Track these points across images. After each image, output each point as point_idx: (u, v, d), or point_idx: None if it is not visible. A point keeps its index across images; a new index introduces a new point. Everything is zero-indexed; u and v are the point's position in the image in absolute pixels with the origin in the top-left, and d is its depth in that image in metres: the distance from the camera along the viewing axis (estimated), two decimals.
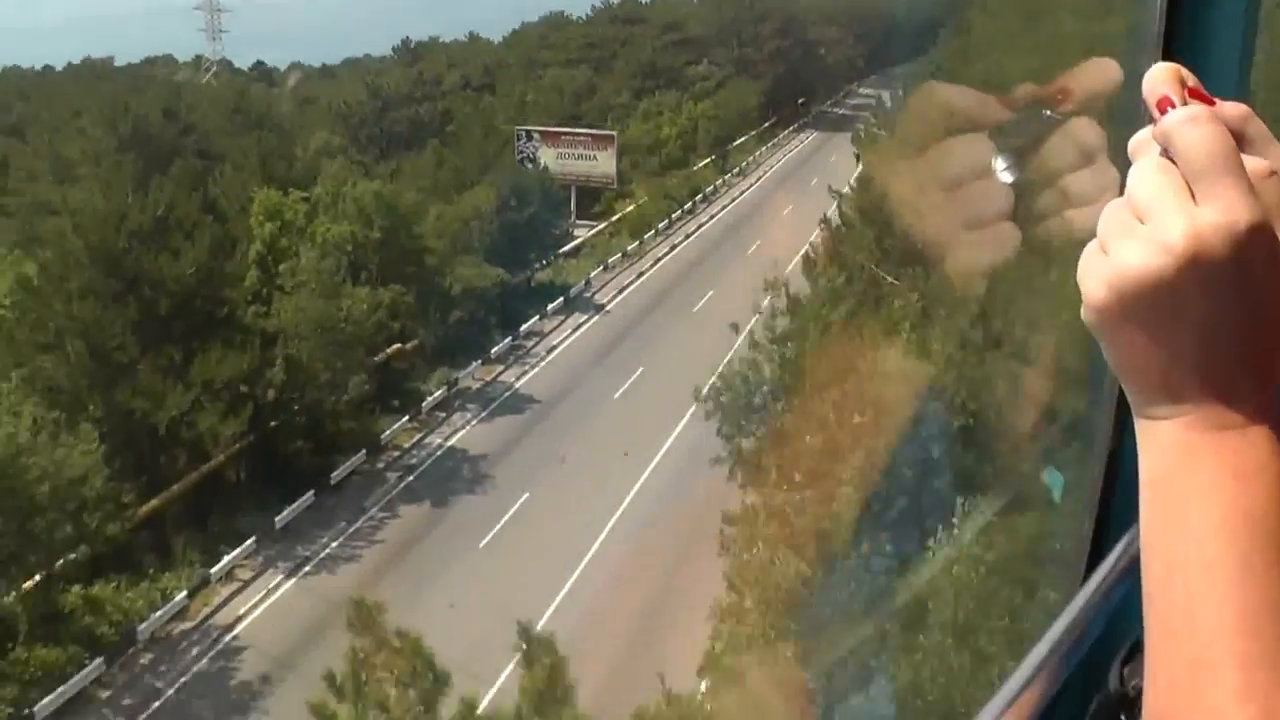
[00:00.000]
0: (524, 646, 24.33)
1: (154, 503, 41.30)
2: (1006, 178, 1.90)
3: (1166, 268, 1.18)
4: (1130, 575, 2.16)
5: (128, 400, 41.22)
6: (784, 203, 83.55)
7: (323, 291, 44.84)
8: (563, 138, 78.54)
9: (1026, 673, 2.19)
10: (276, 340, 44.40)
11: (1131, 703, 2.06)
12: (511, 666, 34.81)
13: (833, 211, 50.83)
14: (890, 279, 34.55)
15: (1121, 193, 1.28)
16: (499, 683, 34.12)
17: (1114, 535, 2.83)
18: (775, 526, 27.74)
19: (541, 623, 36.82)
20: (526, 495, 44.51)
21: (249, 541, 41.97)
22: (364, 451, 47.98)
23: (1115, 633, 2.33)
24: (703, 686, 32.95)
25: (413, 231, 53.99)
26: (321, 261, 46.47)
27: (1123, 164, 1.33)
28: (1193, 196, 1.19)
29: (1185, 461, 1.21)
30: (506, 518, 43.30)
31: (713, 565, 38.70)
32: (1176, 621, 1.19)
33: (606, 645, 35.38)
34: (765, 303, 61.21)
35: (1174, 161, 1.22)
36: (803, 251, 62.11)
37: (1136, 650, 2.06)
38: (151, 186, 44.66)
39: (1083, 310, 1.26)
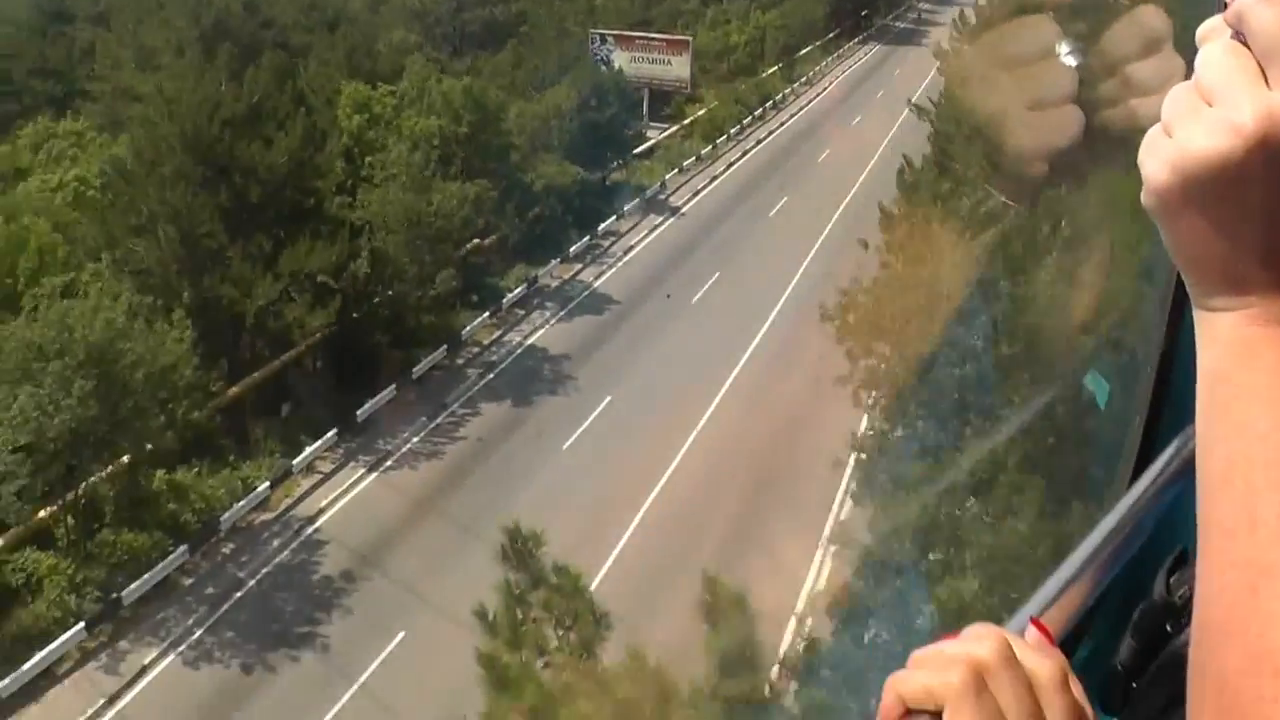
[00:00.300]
0: (708, 599, 21.37)
1: (236, 391, 39.34)
2: (1071, 62, 1.81)
3: (1234, 150, 1.07)
4: (1180, 480, 2.13)
5: (216, 287, 38.96)
6: (851, 113, 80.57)
7: (413, 184, 42.21)
8: (636, 41, 74.73)
9: (1067, 576, 1.96)
10: (363, 232, 41.88)
11: (1178, 611, 1.85)
12: (600, 576, 32.94)
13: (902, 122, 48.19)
14: (1003, 197, 31.83)
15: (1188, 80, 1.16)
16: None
17: (1165, 438, 2.53)
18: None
19: (627, 532, 34.86)
20: (609, 399, 42.11)
21: (330, 434, 39.74)
22: (445, 347, 45.57)
23: (1161, 539, 2.13)
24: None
25: (500, 128, 51.32)
26: (411, 154, 43.79)
27: (1190, 55, 1.20)
28: (1265, 80, 1.09)
29: (1247, 356, 1.12)
30: (589, 421, 40.94)
31: (799, 479, 36.80)
32: (1235, 522, 1.09)
33: (692, 558, 33.15)
34: (840, 209, 58.85)
35: (1246, 45, 1.11)
36: (870, 159, 59.82)
37: (1183, 560, 1.92)
38: (245, 76, 41.99)
39: (1143, 194, 1.15)
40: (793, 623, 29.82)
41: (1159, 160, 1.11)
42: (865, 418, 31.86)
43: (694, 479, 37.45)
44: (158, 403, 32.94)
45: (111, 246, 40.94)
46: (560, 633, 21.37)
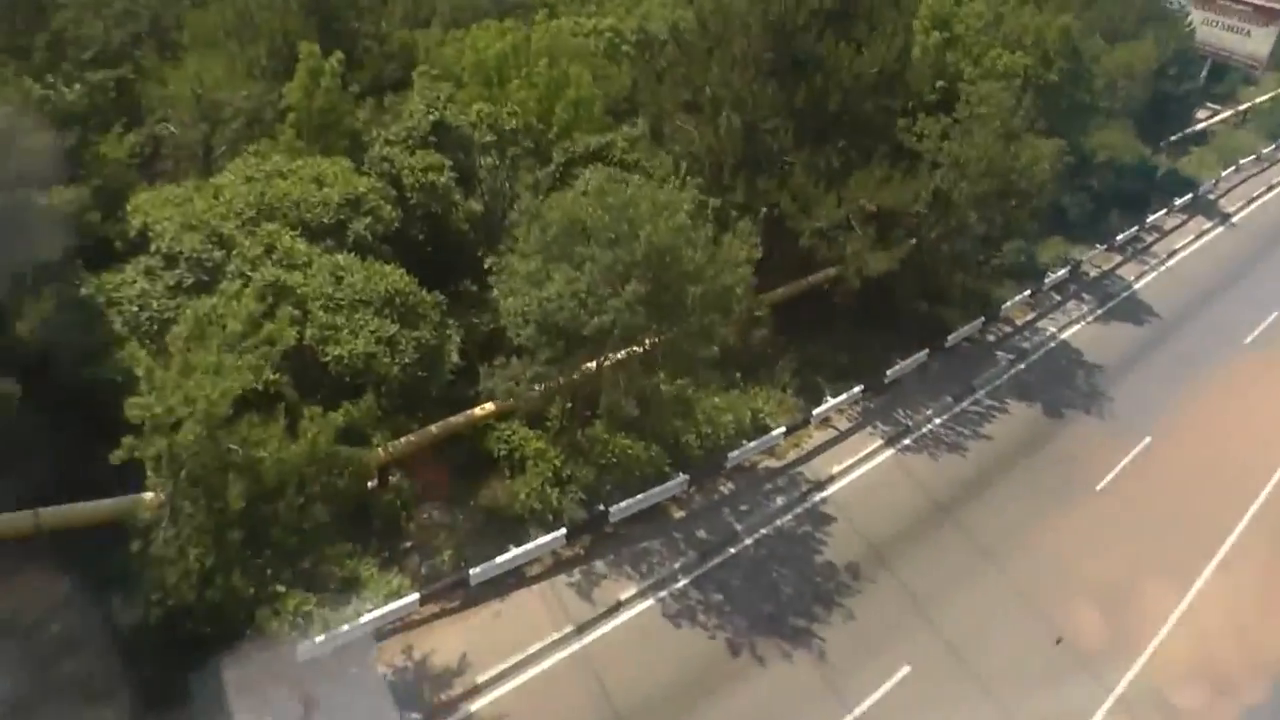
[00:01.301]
0: None
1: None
2: None
3: None
4: None
5: (773, 193, 33.97)
6: None
7: (1003, 129, 35.44)
8: (1218, 3, 63.44)
9: None
10: (936, 170, 35.55)
11: None
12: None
13: None
14: None
15: None
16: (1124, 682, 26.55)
17: None
18: None
19: (1173, 617, 28.73)
20: (1148, 440, 35.35)
21: (856, 389, 34.79)
22: (981, 319, 39.70)
23: None
24: None
25: (1090, 84, 43.49)
26: (1001, 92, 36.68)
27: None
28: None
29: None
30: (1125, 461, 34.37)
31: None
32: None
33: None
34: None
35: None
36: None
37: None
38: None
39: None
40: None
41: None
42: None
43: (1244, 572, 30.94)
44: (704, 325, 27.72)
45: (657, 118, 36.28)
46: None
